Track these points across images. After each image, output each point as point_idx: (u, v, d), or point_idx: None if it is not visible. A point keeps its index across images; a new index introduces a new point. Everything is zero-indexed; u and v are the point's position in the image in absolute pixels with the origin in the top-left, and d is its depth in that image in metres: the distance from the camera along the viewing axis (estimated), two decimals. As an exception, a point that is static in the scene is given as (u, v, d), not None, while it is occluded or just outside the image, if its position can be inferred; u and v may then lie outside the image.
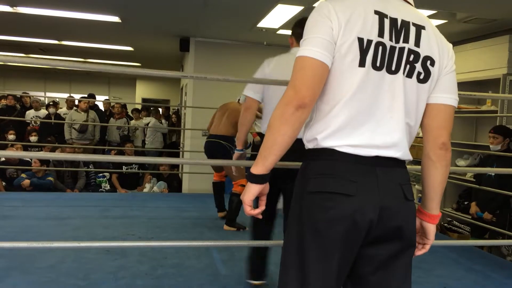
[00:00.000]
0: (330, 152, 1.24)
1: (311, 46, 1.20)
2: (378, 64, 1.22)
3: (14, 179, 5.84)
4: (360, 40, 1.20)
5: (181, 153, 7.50)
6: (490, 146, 4.37)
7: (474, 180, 4.69)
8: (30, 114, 7.95)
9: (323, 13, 1.22)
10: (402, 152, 1.27)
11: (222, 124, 4.24)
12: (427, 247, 1.46)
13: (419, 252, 1.45)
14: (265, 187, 1.29)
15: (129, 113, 9.20)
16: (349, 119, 1.22)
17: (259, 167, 1.25)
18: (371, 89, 1.22)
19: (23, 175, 5.82)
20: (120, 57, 9.26)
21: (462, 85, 5.05)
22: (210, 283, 2.85)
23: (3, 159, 6.20)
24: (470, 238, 4.69)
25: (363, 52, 1.20)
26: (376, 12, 1.23)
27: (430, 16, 4.56)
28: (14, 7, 5.02)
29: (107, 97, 13.49)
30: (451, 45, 1.37)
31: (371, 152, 1.23)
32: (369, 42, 1.21)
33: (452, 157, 5.29)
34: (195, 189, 6.46)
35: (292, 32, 2.63)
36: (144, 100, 13.63)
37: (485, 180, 4.34)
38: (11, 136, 6.74)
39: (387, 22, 1.23)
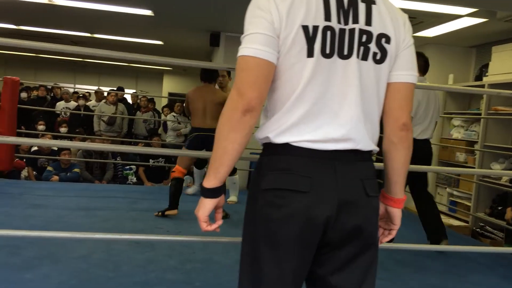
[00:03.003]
0: (284, 147, 1.15)
1: (252, 44, 1.10)
2: (328, 51, 1.12)
3: (45, 169, 5.94)
4: (305, 28, 1.10)
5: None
6: (529, 150, 4.23)
7: (511, 184, 4.54)
8: (60, 105, 8.09)
9: (262, 5, 1.12)
10: (363, 144, 1.18)
11: (209, 117, 4.15)
12: (394, 232, 1.36)
13: (385, 238, 1.37)
14: (220, 199, 1.22)
15: (157, 108, 9.23)
16: (302, 114, 1.14)
17: (212, 180, 1.16)
18: (323, 79, 1.13)
19: (50, 168, 5.91)
20: (149, 52, 9.31)
21: (501, 86, 4.89)
22: (239, 280, 2.81)
23: (34, 148, 6.31)
24: (503, 245, 4.55)
25: (310, 41, 1.10)
26: None
27: (470, 14, 4.42)
28: (50, -1, 5.09)
29: (134, 91, 13.64)
30: (406, 16, 1.25)
31: (329, 146, 1.14)
32: (315, 28, 1.10)
33: (487, 161, 5.21)
34: (222, 185, 6.45)
35: None
36: (170, 94, 13.73)
37: (522, 185, 4.20)
38: (40, 127, 6.86)
39: (333, 3, 1.13)
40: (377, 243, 1.25)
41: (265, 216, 1.15)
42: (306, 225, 1.12)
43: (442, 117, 6.03)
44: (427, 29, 5.21)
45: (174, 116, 8.02)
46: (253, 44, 1.10)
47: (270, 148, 1.19)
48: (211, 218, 1.26)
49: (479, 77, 5.57)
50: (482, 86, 5.18)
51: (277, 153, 1.17)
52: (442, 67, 5.98)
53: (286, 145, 1.15)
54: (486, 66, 5.40)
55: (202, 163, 5.11)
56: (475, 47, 5.96)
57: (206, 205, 1.20)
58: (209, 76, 4.24)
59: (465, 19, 4.65)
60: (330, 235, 1.16)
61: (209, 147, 4.14)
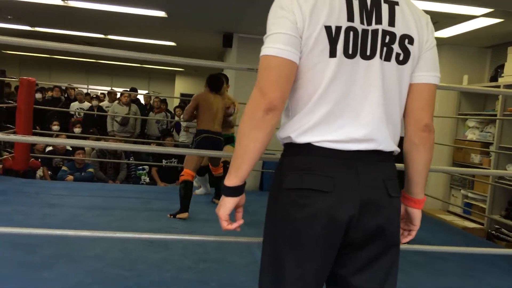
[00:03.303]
0: (306, 147, 1.15)
1: (275, 44, 1.11)
2: (350, 52, 1.12)
3: (60, 169, 6.00)
4: (328, 28, 1.11)
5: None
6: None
7: (527, 186, 4.49)
8: (75, 106, 8.16)
9: (285, 5, 1.12)
10: (385, 144, 1.18)
11: (217, 123, 4.32)
12: (413, 233, 1.36)
13: (405, 239, 1.37)
14: (241, 198, 1.21)
15: (169, 108, 9.28)
16: (324, 114, 1.14)
17: (233, 179, 1.16)
18: (345, 79, 1.13)
19: (64, 168, 5.97)
20: (162, 53, 9.32)
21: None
22: (253, 280, 2.81)
23: (49, 148, 6.37)
24: (519, 247, 4.50)
25: (333, 41, 1.11)
26: None
27: (485, 15, 4.38)
28: (65, 1, 5.14)
29: (146, 92, 13.72)
30: (428, 16, 1.27)
31: (351, 147, 1.15)
32: (338, 29, 1.11)
33: (503, 162, 5.14)
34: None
35: None
36: (182, 95, 13.80)
37: (539, 187, 4.14)
38: (55, 127, 6.92)
39: (356, 3, 1.13)
40: (399, 244, 1.25)
41: (288, 216, 1.15)
42: (329, 225, 1.12)
43: (456, 118, 5.98)
44: (442, 30, 5.17)
45: None
46: (276, 43, 1.11)
47: (291, 148, 1.20)
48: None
49: (494, 78, 5.51)
50: (498, 87, 5.12)
51: (298, 153, 1.17)
52: (456, 68, 5.93)
53: (308, 145, 1.15)
54: (501, 66, 5.34)
55: (203, 171, 5.13)
56: (490, 48, 5.90)
57: (227, 204, 1.19)
58: (218, 87, 4.40)
59: (480, 20, 4.60)
60: (352, 236, 1.16)
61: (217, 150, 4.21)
